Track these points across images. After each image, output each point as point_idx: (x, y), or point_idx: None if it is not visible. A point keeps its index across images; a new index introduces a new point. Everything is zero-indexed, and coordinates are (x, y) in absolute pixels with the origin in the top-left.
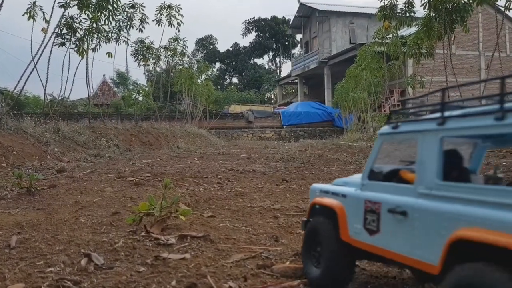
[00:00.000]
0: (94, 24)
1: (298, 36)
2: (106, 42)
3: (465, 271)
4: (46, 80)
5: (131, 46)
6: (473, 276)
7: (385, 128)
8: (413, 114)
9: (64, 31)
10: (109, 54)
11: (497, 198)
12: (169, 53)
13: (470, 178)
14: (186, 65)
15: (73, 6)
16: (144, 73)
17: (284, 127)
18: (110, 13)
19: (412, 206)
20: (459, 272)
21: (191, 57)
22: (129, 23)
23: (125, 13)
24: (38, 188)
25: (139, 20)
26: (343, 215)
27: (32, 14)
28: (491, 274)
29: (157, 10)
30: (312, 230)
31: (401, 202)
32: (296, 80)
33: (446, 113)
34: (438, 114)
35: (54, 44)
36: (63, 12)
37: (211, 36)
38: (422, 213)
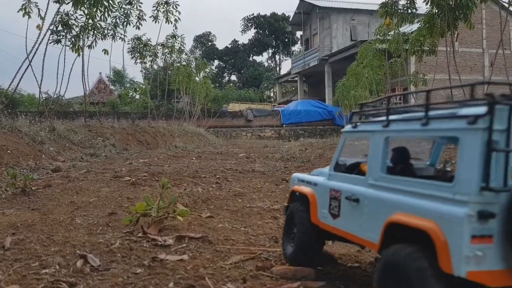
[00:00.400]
0: (90, 21)
1: (298, 33)
2: (102, 39)
3: (390, 249)
4: (41, 78)
5: (128, 43)
6: (394, 253)
7: (348, 127)
8: (369, 115)
9: (60, 28)
10: (105, 51)
11: (413, 188)
12: (166, 50)
13: (414, 172)
14: (184, 63)
15: (68, 2)
16: (141, 71)
17: (284, 125)
18: (106, 9)
19: (362, 194)
20: (387, 250)
21: (189, 55)
22: (126, 19)
23: (122, 9)
24: (33, 188)
25: (136, 17)
26: (314, 201)
27: (27, 10)
28: (404, 250)
29: (154, 7)
30: (290, 214)
31: (355, 190)
32: (296, 78)
33: (392, 117)
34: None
35: (50, 41)
36: (58, 8)
37: (209, 33)
38: (369, 200)
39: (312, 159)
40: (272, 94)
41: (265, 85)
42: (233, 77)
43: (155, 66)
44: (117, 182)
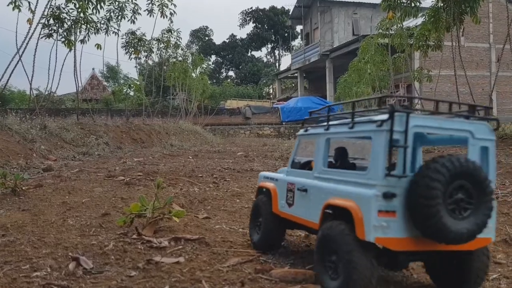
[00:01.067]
0: (82, 14)
1: (298, 28)
2: (95, 34)
3: (325, 226)
4: (32, 74)
5: (122, 38)
6: (327, 227)
7: (301, 131)
8: (316, 121)
9: (51, 21)
10: (98, 46)
11: (342, 177)
12: (161, 45)
13: (349, 165)
14: (180, 58)
15: None
16: (136, 67)
17: (284, 123)
18: (98, 2)
19: (309, 185)
20: (323, 226)
21: (185, 50)
22: (120, 13)
23: (116, 2)
24: (23, 188)
25: (131, 11)
26: (275, 194)
27: (17, 3)
28: (334, 224)
29: (148, 0)
30: (256, 206)
31: (305, 182)
32: (296, 74)
33: (334, 122)
34: (346, 121)
35: (41, 36)
36: (49, 1)
37: (206, 27)
38: (313, 189)
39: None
40: (271, 91)
41: (264, 81)
42: (231, 73)
43: (150, 62)
44: (111, 181)
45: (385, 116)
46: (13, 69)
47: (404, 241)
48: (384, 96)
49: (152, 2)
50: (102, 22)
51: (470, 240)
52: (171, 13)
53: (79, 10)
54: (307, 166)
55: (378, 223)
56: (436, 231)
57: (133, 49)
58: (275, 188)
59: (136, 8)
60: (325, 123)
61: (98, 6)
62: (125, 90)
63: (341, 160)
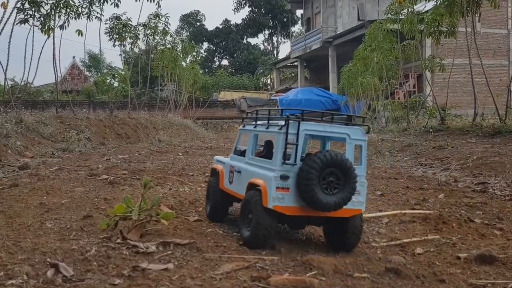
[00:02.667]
0: None
1: (299, 12)
2: (75, 19)
3: (247, 195)
4: (7, 63)
5: (105, 23)
6: (248, 197)
7: (241, 126)
8: (251, 119)
9: (27, 5)
10: (79, 32)
11: (260, 164)
12: (148, 31)
13: (270, 156)
14: (169, 46)
15: None
16: (120, 55)
17: None
18: None
19: (242, 168)
20: (245, 196)
21: (175, 36)
22: None
23: None
24: None
25: None
26: (222, 174)
27: None
28: (252, 195)
29: None
30: (209, 184)
31: (240, 166)
32: (296, 63)
33: (261, 121)
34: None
35: (16, 22)
36: None
37: (198, 12)
38: (244, 171)
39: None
40: (268, 81)
41: (261, 71)
42: (225, 62)
43: (136, 50)
44: (93, 181)
45: (283, 122)
46: None
47: (294, 208)
48: (289, 109)
49: None
50: (84, 6)
51: (337, 209)
52: None
53: None
54: (243, 153)
55: (276, 196)
56: (312, 202)
57: (117, 36)
58: (223, 169)
59: None
60: (254, 122)
61: None
62: (108, 81)
63: (267, 150)
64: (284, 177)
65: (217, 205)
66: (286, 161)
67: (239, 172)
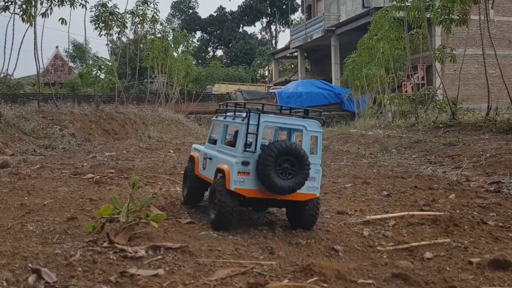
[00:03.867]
0: None
1: None
2: (59, 6)
3: (214, 180)
4: None
5: (90, 11)
6: (215, 181)
7: (214, 117)
8: (223, 111)
9: None
10: (63, 21)
11: (227, 151)
12: (136, 19)
13: (237, 145)
14: (159, 35)
15: None
16: (107, 45)
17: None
18: None
19: (213, 155)
20: (214, 181)
21: (165, 25)
22: None
23: None
24: None
25: None
26: (198, 161)
27: None
28: (218, 179)
29: None
30: (186, 169)
31: (211, 153)
32: (296, 53)
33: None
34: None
35: None
36: None
37: None
38: (214, 158)
39: None
40: (266, 73)
41: (258, 62)
42: (219, 52)
43: (124, 39)
44: (78, 180)
45: (245, 115)
46: None
47: (254, 191)
48: (236, 102)
49: None
50: None
51: (291, 192)
52: None
53: None
54: (216, 142)
55: (238, 179)
56: (269, 185)
57: (103, 24)
58: (198, 156)
59: None
60: (224, 114)
61: None
62: (94, 72)
63: (235, 140)
64: (245, 163)
65: (193, 190)
66: (247, 149)
67: (210, 159)
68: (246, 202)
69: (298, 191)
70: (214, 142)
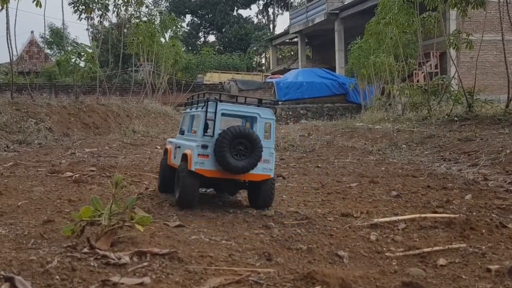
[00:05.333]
0: None
1: None
2: None
3: (179, 164)
4: None
5: None
6: (180, 165)
7: (183, 110)
8: (191, 104)
9: None
10: (38, 3)
11: (191, 138)
12: (120, 1)
13: (199, 133)
14: (145, 18)
15: None
16: (87, 29)
17: (280, 103)
18: None
19: (181, 144)
20: (179, 165)
21: (152, 8)
22: None
23: None
24: None
25: None
26: (170, 151)
27: None
28: (182, 163)
29: None
30: (161, 161)
31: (179, 142)
32: (296, 39)
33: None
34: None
35: None
36: None
37: None
38: (181, 146)
39: (318, 148)
40: (263, 61)
41: (254, 48)
42: (211, 38)
43: (106, 23)
44: (55, 179)
45: (203, 104)
46: None
47: (213, 172)
48: (200, 93)
49: None
50: None
51: (245, 172)
52: None
53: None
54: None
55: (198, 161)
56: (225, 165)
57: (83, 7)
58: (171, 148)
59: None
60: (190, 106)
61: None
62: (73, 60)
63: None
64: (204, 146)
65: (166, 178)
66: (206, 134)
67: (179, 147)
68: (206, 183)
69: (253, 172)
70: (183, 132)
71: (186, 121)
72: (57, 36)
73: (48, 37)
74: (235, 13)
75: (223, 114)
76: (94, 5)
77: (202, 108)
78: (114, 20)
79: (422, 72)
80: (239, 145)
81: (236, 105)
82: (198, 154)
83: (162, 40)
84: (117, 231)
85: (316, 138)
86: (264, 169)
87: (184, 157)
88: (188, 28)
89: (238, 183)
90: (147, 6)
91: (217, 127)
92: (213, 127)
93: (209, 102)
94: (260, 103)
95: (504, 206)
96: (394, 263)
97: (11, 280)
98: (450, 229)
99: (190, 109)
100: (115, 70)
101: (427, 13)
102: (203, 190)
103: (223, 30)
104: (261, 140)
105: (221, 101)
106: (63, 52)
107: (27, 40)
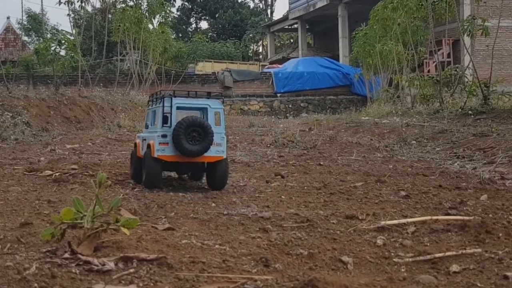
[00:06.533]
0: None
1: None
2: None
3: (143, 152)
4: None
5: None
6: (144, 153)
7: (148, 106)
8: (153, 100)
9: None
10: None
11: (155, 130)
12: None
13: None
14: (131, 3)
15: None
16: (68, 15)
17: (279, 95)
18: None
19: (146, 136)
20: (144, 153)
21: None
22: None
23: None
24: None
25: None
26: (139, 145)
27: None
28: (146, 152)
29: None
30: (132, 154)
31: (145, 135)
32: (296, 26)
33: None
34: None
35: None
36: None
37: None
38: (146, 138)
39: (320, 144)
40: (260, 49)
41: (251, 35)
42: (204, 25)
43: (89, 8)
44: (33, 178)
45: (161, 99)
46: None
47: (173, 157)
48: (161, 91)
49: None
50: None
51: (199, 155)
52: None
53: None
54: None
55: (159, 148)
56: (181, 150)
57: None
58: (140, 142)
59: None
60: (151, 103)
61: None
62: (53, 48)
63: (164, 121)
64: (164, 136)
65: (137, 169)
66: (165, 125)
67: (145, 139)
68: (168, 166)
69: (208, 154)
70: (147, 127)
71: (149, 116)
72: (36, 22)
73: (25, 23)
74: None
75: (178, 108)
76: None
77: (160, 104)
78: (97, 4)
79: (434, 62)
80: (193, 132)
81: (189, 99)
82: (159, 143)
83: (150, 26)
84: (101, 234)
85: (318, 134)
86: (217, 151)
87: (148, 147)
88: (179, 13)
89: (196, 165)
90: None
91: (173, 119)
92: (170, 119)
93: (165, 98)
94: (209, 95)
95: None
96: (403, 270)
97: None
98: (464, 232)
99: (152, 106)
100: (98, 59)
101: None
102: (168, 174)
103: (217, 15)
104: (212, 127)
105: (175, 96)
106: (42, 39)
107: (3, 26)
